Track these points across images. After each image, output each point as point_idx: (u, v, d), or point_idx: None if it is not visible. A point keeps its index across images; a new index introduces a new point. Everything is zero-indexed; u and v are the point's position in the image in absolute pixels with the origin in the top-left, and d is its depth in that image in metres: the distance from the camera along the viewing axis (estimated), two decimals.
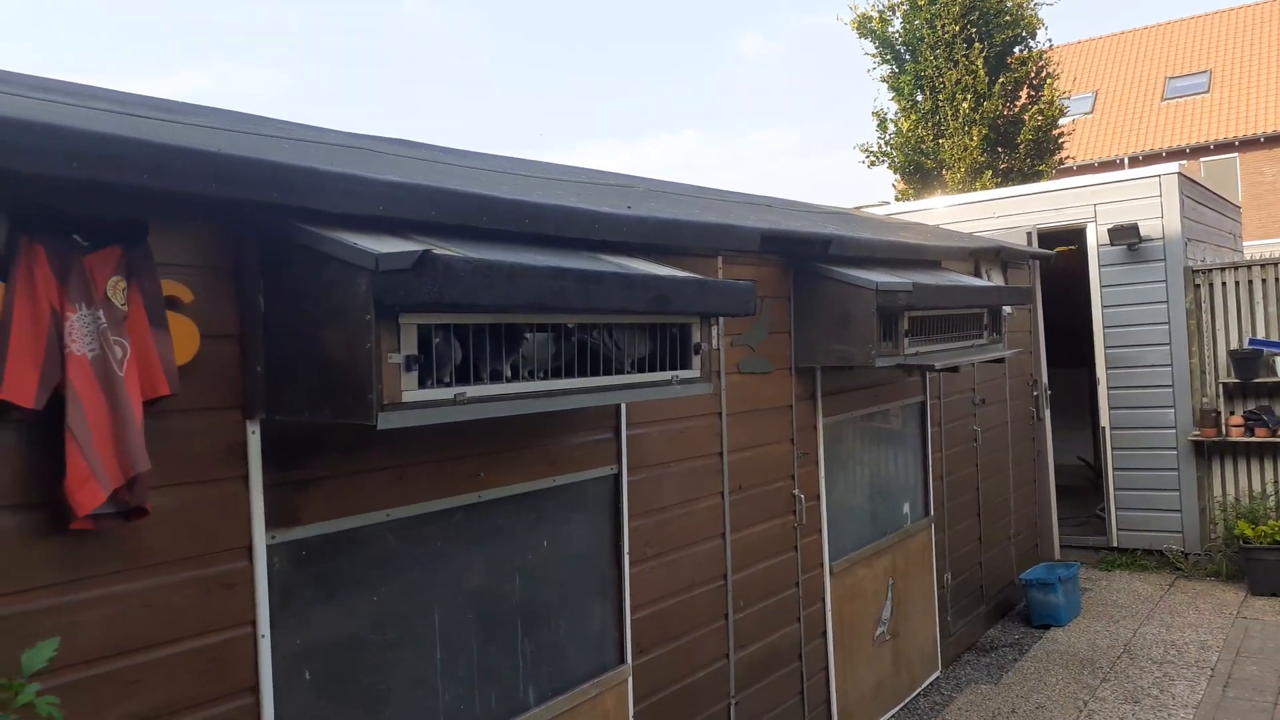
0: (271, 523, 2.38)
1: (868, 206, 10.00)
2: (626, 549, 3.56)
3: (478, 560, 2.99)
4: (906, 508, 5.86)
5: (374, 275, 2.14)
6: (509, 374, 2.49)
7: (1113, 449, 8.42)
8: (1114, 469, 8.42)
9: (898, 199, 13.78)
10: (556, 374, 2.64)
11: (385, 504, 2.67)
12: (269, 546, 2.37)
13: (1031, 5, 12.94)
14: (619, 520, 3.55)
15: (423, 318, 2.24)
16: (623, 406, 3.54)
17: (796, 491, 4.67)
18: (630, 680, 3.51)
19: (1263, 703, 5.36)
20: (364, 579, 2.65)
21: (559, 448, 3.29)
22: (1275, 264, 7.80)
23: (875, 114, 13.74)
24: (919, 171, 13.11)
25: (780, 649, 4.49)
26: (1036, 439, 8.03)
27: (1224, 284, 7.95)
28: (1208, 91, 28.75)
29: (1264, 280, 7.80)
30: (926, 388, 6.05)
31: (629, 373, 2.90)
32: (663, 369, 3.03)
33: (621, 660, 3.50)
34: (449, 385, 2.33)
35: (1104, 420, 8.45)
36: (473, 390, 2.38)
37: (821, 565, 4.86)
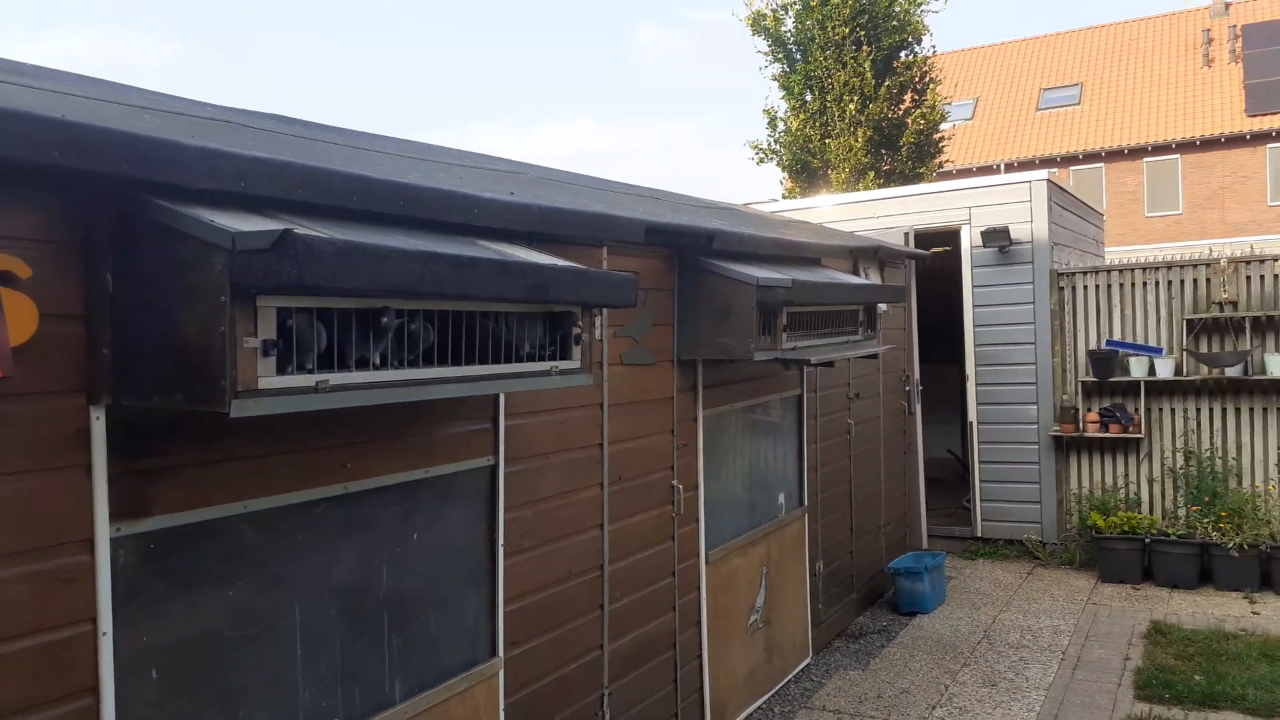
0: (117, 514, 2.25)
1: (756, 203, 10.16)
2: (501, 541, 3.52)
3: (343, 553, 2.90)
4: (782, 498, 5.98)
5: (231, 254, 2.04)
6: (377, 361, 2.42)
7: (979, 443, 8.80)
8: (980, 462, 8.81)
9: (785, 196, 14.06)
10: (429, 361, 2.58)
11: (243, 495, 2.56)
12: (113, 539, 2.24)
13: (918, 12, 13.37)
14: (494, 512, 3.51)
15: (283, 300, 2.15)
16: (501, 397, 3.50)
17: (675, 482, 4.71)
18: (501, 673, 3.48)
19: (1107, 683, 5.70)
20: (219, 573, 2.53)
21: (434, 438, 3.22)
22: (1132, 269, 8.27)
23: (766, 112, 13.95)
24: (806, 170, 13.38)
25: (655, 639, 4.52)
26: (908, 432, 8.33)
27: (1085, 287, 8.40)
28: (1079, 104, 30.31)
29: (1121, 285, 8.27)
30: (804, 381, 6.19)
31: (507, 362, 2.86)
32: (542, 359, 3.00)
33: (493, 653, 3.46)
34: (311, 372, 2.25)
35: (971, 415, 8.82)
36: (336, 378, 2.30)
37: (698, 555, 4.92)
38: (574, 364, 3.13)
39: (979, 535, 8.91)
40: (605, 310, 3.95)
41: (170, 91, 3.58)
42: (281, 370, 2.18)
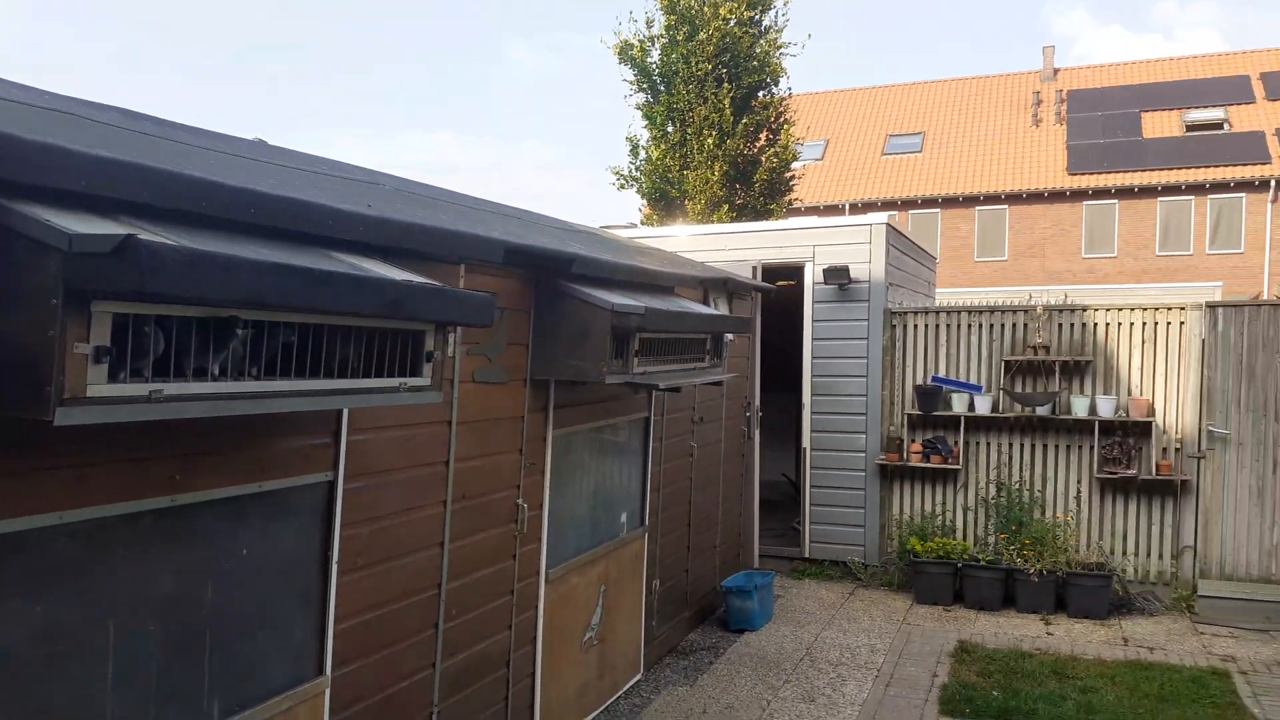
0: None
1: (615, 227, 10.31)
2: (336, 558, 3.45)
3: (167, 568, 2.79)
4: (624, 517, 6.10)
5: (66, 256, 1.96)
6: (216, 371, 2.35)
7: (811, 468, 9.21)
8: (810, 486, 9.22)
9: (643, 223, 14.35)
10: (272, 374, 2.53)
11: (60, 505, 2.43)
12: None
13: (778, 54, 13.96)
14: (330, 529, 3.44)
15: (121, 306, 2.08)
16: (345, 411, 3.44)
17: (520, 501, 4.74)
18: (328, 692, 3.41)
19: (916, 699, 6.07)
20: (28, 588, 2.39)
21: (271, 451, 3.14)
22: (958, 311, 8.88)
23: (629, 139, 14.22)
24: (664, 199, 13.70)
25: (489, 656, 4.52)
26: (746, 456, 8.63)
27: (916, 326, 8.95)
28: (920, 151, 32.20)
29: (948, 325, 8.86)
30: (652, 404, 6.33)
31: (354, 377, 2.83)
32: (391, 375, 2.98)
33: (320, 671, 3.38)
34: (145, 380, 2.17)
35: (805, 441, 9.23)
36: (171, 387, 2.23)
37: (538, 574, 4.95)
38: (424, 381, 3.12)
39: (807, 556, 9.31)
40: (460, 328, 3.95)
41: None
42: (113, 378, 2.10)
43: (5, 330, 2.00)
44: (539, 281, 4.67)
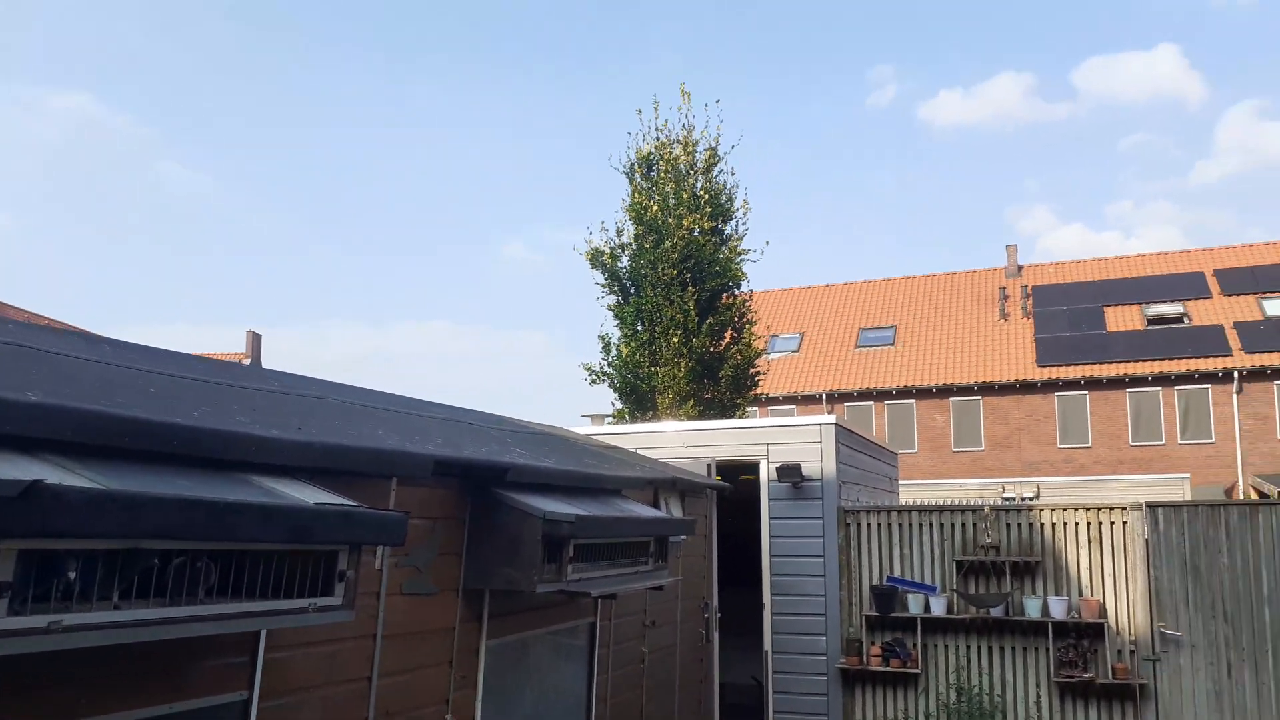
0: None
1: (591, 415, 10.60)
2: None
3: None
4: None
5: None
6: (117, 600, 2.49)
7: (773, 672, 9.07)
8: (774, 692, 9.04)
9: (616, 415, 14.75)
10: (178, 599, 2.66)
11: None
12: None
13: (738, 259, 14.86)
14: None
15: (27, 543, 2.24)
16: (263, 630, 3.52)
17: (449, 717, 4.71)
18: None
19: None
20: None
21: (182, 671, 3.21)
22: (909, 511, 9.02)
23: (601, 338, 14.90)
24: (635, 393, 14.17)
25: None
26: (705, 661, 8.51)
27: (869, 524, 9.07)
28: (893, 344, 33.23)
29: (900, 525, 8.99)
30: (598, 609, 6.35)
31: (265, 598, 2.96)
32: (302, 595, 3.11)
33: None
34: (46, 612, 2.31)
35: (767, 644, 9.13)
36: (71, 618, 2.36)
37: None
38: (335, 600, 3.23)
39: None
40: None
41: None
42: (14, 611, 2.24)
43: None
44: (475, 490, 4.83)
